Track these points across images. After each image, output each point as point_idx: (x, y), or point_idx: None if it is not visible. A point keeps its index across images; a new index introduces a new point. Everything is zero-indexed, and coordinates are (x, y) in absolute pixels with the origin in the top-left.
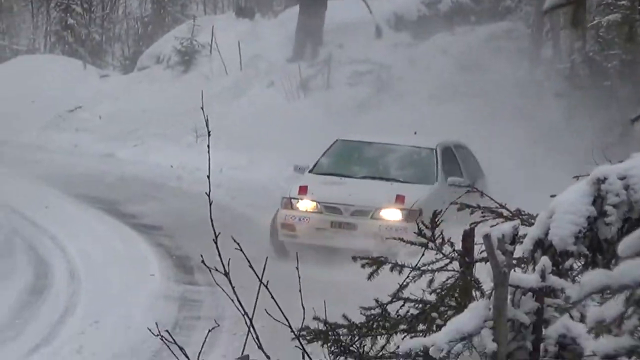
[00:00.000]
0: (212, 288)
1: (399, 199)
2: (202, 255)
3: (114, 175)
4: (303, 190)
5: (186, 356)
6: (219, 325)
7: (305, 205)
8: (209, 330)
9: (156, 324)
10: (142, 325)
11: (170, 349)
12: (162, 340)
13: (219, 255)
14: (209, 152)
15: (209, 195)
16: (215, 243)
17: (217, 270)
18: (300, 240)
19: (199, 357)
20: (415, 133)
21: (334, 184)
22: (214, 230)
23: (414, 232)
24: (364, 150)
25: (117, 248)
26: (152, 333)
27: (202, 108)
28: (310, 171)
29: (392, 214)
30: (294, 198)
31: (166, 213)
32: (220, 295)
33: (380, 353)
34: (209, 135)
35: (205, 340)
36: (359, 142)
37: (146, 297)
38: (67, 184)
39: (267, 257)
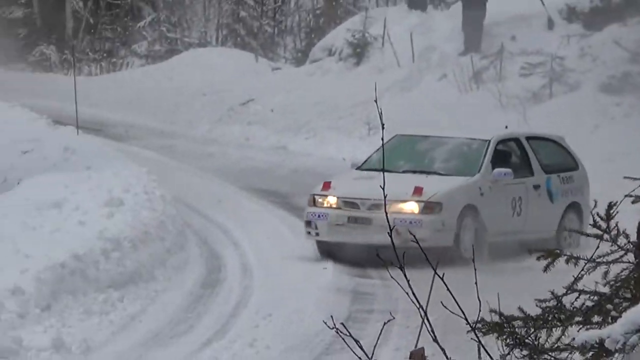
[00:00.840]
0: (384, 281)
1: (417, 190)
2: (377, 249)
3: (286, 168)
4: (327, 186)
5: (361, 349)
6: (394, 318)
7: (328, 201)
8: (385, 323)
9: (331, 316)
10: (314, 318)
11: (345, 341)
12: (337, 332)
13: (394, 247)
14: (382, 144)
15: (383, 188)
16: (390, 236)
17: (391, 263)
18: (320, 237)
19: (374, 350)
20: (506, 127)
21: (363, 178)
22: (388, 224)
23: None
24: (418, 145)
25: (289, 241)
26: (327, 326)
27: (375, 101)
28: (358, 167)
29: (408, 207)
30: (317, 194)
31: None
32: (393, 289)
33: (556, 345)
34: (383, 128)
35: (380, 333)
36: (416, 137)
37: (319, 290)
38: (239, 177)
39: (441, 249)
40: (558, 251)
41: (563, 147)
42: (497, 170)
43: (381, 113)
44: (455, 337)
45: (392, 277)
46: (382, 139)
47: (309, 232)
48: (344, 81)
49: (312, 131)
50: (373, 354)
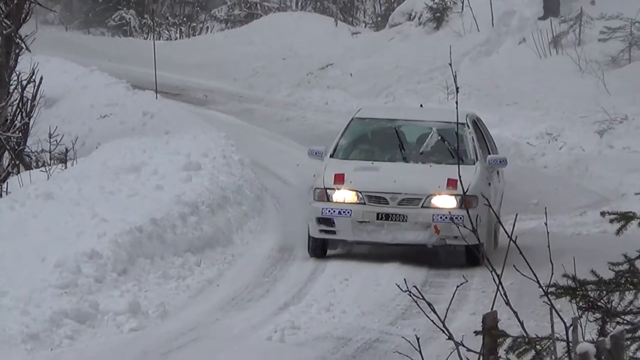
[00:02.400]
0: (460, 246)
1: (451, 183)
2: (450, 212)
3: None
4: (339, 178)
5: (435, 312)
6: (467, 281)
7: (344, 195)
8: (457, 287)
9: (404, 280)
10: (391, 283)
11: (418, 305)
12: (410, 296)
13: (467, 211)
14: (457, 108)
15: (457, 151)
16: (463, 198)
17: (464, 227)
18: (340, 236)
19: (446, 313)
20: (421, 105)
21: (370, 169)
22: (461, 185)
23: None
24: (387, 129)
25: None
26: (401, 289)
27: (450, 64)
28: (331, 155)
29: (445, 201)
30: (329, 188)
31: None
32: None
33: (628, 308)
34: (457, 91)
35: (453, 297)
36: (380, 120)
37: (396, 256)
38: (318, 142)
39: (516, 215)
40: (631, 214)
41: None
42: (490, 157)
43: (455, 76)
44: (529, 301)
45: (466, 240)
46: (457, 102)
47: (323, 231)
48: (423, 46)
49: (391, 95)
50: (446, 317)
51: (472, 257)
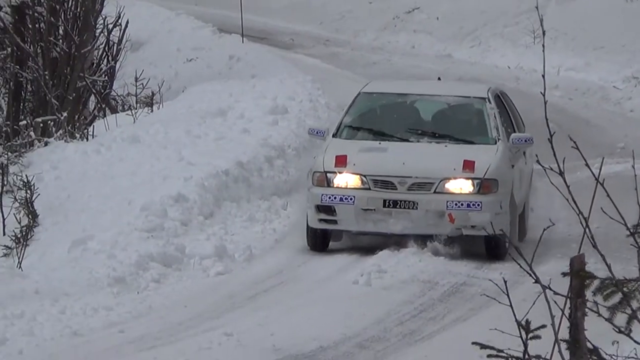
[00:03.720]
0: (548, 188)
1: (468, 165)
2: (536, 155)
3: (451, 76)
4: (341, 160)
5: (521, 256)
6: (553, 224)
7: (346, 179)
8: (544, 230)
9: (490, 223)
10: None
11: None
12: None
13: (554, 154)
14: (543, 52)
15: (543, 95)
16: (550, 142)
17: (551, 169)
18: (341, 226)
19: (533, 256)
20: (439, 79)
21: (377, 150)
22: (548, 129)
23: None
24: (398, 106)
25: None
26: (488, 234)
27: (536, 7)
28: (334, 135)
29: (461, 186)
30: (330, 172)
31: None
32: (554, 197)
33: None
34: (544, 35)
35: (540, 239)
36: (390, 95)
37: None
38: None
39: (603, 158)
40: None
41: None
42: (514, 135)
43: (542, 20)
44: (616, 245)
45: (552, 183)
46: (543, 46)
47: (323, 220)
48: None
49: (477, 39)
50: (532, 260)
51: (492, 249)
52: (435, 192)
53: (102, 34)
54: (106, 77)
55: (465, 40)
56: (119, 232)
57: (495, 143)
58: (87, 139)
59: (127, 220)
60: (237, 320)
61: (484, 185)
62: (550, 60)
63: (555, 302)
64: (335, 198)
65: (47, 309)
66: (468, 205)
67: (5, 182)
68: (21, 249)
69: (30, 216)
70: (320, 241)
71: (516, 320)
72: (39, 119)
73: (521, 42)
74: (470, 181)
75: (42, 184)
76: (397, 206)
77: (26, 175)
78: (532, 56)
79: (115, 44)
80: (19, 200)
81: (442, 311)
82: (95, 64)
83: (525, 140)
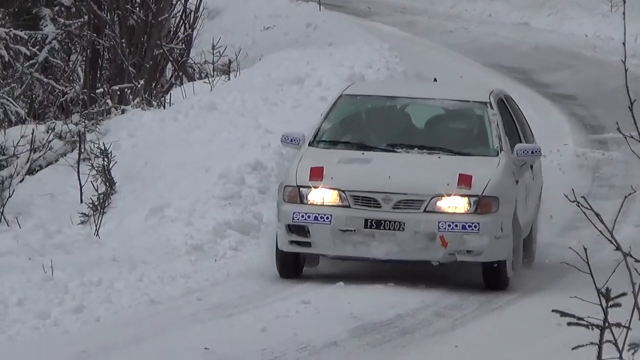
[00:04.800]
0: (626, 157)
1: (464, 180)
2: (617, 123)
3: (528, 45)
4: (317, 173)
5: (602, 222)
6: (635, 192)
7: (322, 195)
8: (626, 197)
9: (572, 190)
10: (555, 194)
11: (585, 214)
12: (578, 206)
13: (635, 122)
14: (624, 19)
15: (624, 63)
16: (631, 110)
17: (631, 137)
18: (316, 249)
19: (614, 224)
20: (435, 80)
21: (358, 161)
22: (629, 97)
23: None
24: (386, 110)
25: (531, 117)
26: (568, 199)
27: None
28: (311, 143)
29: (456, 204)
30: (303, 186)
31: (580, 82)
32: (632, 165)
33: None
34: (624, 2)
35: (621, 207)
36: (377, 98)
37: (559, 167)
38: (481, 54)
39: None
40: None
41: (518, 107)
42: (520, 146)
43: None
44: None
45: (633, 150)
46: (624, 14)
47: (294, 242)
48: None
49: (555, 7)
50: (614, 227)
51: (491, 278)
52: (425, 210)
53: (179, 2)
54: (183, 45)
55: (543, 9)
56: (196, 200)
57: (497, 155)
58: (164, 107)
59: (204, 188)
60: (314, 288)
61: (482, 204)
62: (628, 27)
63: (636, 270)
64: (309, 217)
65: (125, 276)
66: (463, 227)
67: (83, 150)
68: (99, 217)
69: (107, 184)
70: (290, 266)
71: (596, 288)
72: (116, 87)
73: (598, 10)
74: (466, 199)
75: (119, 151)
76: (381, 227)
77: (103, 143)
78: (609, 25)
79: (192, 12)
80: (96, 168)
81: (522, 280)
82: (172, 32)
83: (532, 152)
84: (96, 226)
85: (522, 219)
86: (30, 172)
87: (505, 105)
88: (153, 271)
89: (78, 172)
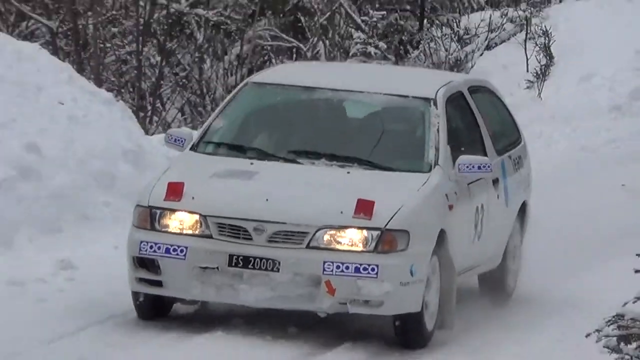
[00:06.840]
0: None
1: (363, 207)
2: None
3: None
4: (175, 191)
5: None
6: None
7: (179, 220)
8: None
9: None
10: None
11: None
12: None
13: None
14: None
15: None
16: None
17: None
18: (168, 290)
19: None
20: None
21: (239, 175)
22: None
23: (399, 279)
24: (298, 105)
25: None
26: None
27: None
28: (193, 147)
29: (350, 238)
30: (157, 207)
31: None
32: None
33: None
34: None
35: None
36: (291, 88)
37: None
38: None
39: None
40: None
41: (500, 100)
42: (462, 159)
43: None
44: None
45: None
46: None
47: (142, 280)
48: None
49: None
50: None
51: (402, 334)
52: (308, 246)
53: None
54: None
55: None
56: (618, 69)
57: (429, 170)
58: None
59: (626, 59)
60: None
61: (385, 240)
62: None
63: None
64: (159, 248)
65: (561, 128)
66: (357, 270)
67: (529, 31)
68: (540, 83)
69: (547, 57)
70: (147, 308)
71: None
72: None
73: None
74: (363, 232)
75: (557, 32)
76: (251, 265)
77: (545, 26)
78: None
79: None
80: (539, 45)
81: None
82: None
83: (480, 167)
84: (538, 90)
85: (462, 254)
86: (488, 47)
87: (467, 102)
88: (583, 124)
89: (525, 48)
